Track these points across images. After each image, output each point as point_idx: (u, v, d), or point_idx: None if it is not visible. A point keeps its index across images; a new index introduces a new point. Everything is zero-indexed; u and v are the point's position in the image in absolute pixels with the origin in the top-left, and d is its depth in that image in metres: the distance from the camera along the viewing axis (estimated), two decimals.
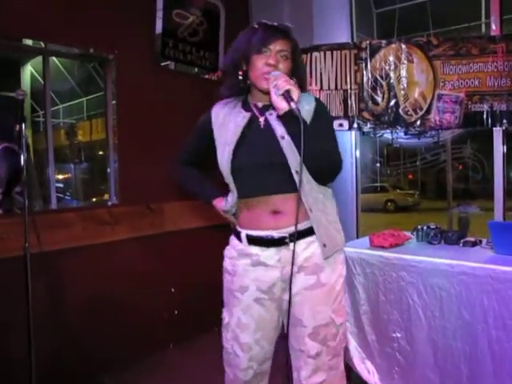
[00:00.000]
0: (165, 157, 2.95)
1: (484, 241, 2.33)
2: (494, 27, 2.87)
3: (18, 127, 2.07)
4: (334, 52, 3.02)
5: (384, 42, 2.92)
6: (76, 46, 2.62)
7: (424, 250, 2.28)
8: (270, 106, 1.47)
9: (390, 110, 2.95)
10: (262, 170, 1.45)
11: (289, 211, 1.44)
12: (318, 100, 1.55)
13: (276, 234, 1.46)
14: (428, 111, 2.89)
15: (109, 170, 2.83)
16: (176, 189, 2.93)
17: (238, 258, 1.54)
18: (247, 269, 1.51)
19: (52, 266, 2.40)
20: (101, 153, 3.69)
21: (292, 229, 1.42)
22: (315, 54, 3.05)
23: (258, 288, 1.51)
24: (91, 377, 2.56)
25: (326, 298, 1.50)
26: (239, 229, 1.56)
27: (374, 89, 2.96)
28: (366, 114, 3.02)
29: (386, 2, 4.09)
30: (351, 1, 3.47)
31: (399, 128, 2.99)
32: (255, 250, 1.50)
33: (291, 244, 1.44)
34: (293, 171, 1.41)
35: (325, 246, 1.47)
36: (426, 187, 14.21)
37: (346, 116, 3.06)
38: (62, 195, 3.94)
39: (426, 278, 2.08)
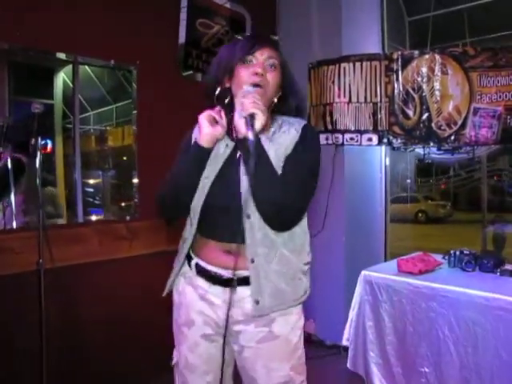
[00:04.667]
0: None
1: None
2: None
3: (33, 141, 2.03)
4: (364, 63, 2.88)
5: (417, 52, 2.77)
6: (100, 57, 2.60)
7: (457, 278, 2.12)
8: None
9: (422, 125, 2.79)
10: (222, 214, 1.28)
11: (243, 255, 1.26)
12: (307, 129, 1.32)
13: (225, 273, 1.29)
14: (463, 126, 2.71)
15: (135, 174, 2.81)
16: None
17: (185, 286, 1.39)
18: (194, 299, 1.36)
19: (67, 281, 2.34)
20: (125, 158, 3.72)
21: (242, 273, 1.26)
22: (344, 64, 2.92)
23: (205, 322, 1.34)
24: None
25: (282, 353, 1.30)
26: (192, 254, 1.38)
27: (405, 102, 2.81)
28: (396, 129, 2.87)
29: (419, 9, 3.92)
30: (382, 9, 3.32)
31: (432, 143, 2.82)
32: (202, 283, 1.34)
33: (238, 288, 1.28)
34: (244, 216, 1.23)
35: (257, 302, 1.25)
36: (458, 198, 13.76)
37: (375, 130, 2.92)
38: (91, 199, 3.97)
39: (458, 310, 1.93)
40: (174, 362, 1.43)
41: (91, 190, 3.99)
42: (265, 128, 1.22)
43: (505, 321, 1.80)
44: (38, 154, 2.10)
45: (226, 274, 1.29)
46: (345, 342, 2.37)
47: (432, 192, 13.42)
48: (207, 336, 1.35)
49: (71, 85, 2.86)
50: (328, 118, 3.03)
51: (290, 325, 1.32)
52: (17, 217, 2.38)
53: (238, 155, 1.30)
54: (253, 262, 1.25)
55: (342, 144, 3.01)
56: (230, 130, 1.32)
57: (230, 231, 1.26)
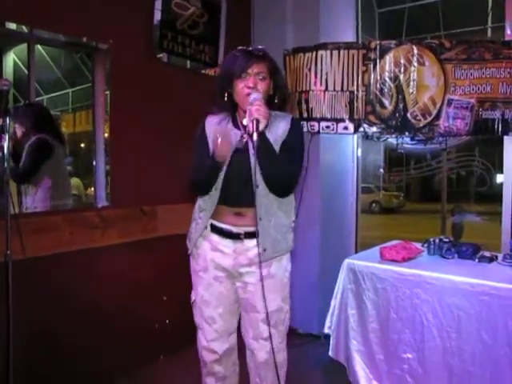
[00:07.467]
0: (159, 154, 2.81)
1: (500, 256, 2.22)
2: (508, 32, 2.76)
3: (1, 120, 1.88)
4: (342, 51, 2.86)
5: (394, 42, 2.78)
6: (66, 33, 2.40)
7: (439, 265, 2.16)
8: None
9: (397, 114, 2.80)
10: (236, 184, 1.71)
11: (248, 216, 1.72)
12: (294, 121, 1.81)
13: (234, 229, 1.75)
14: (437, 117, 2.76)
15: (94, 163, 2.63)
16: (171, 190, 2.76)
17: (202, 242, 1.81)
18: (207, 251, 1.80)
19: (36, 273, 2.20)
20: (83, 145, 3.56)
21: (247, 228, 1.73)
22: (321, 52, 2.89)
23: (216, 268, 1.80)
24: None
25: (276, 287, 1.78)
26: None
27: (381, 91, 2.82)
28: (372, 118, 2.87)
29: (389, 1, 3.95)
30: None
31: (407, 133, 2.85)
32: (216, 238, 1.79)
33: (245, 240, 1.74)
34: (254, 186, 1.66)
35: (265, 250, 1.71)
36: (410, 189, 14.21)
37: (351, 119, 2.91)
38: None
39: (443, 296, 1.97)
40: (192, 299, 1.90)
41: None
42: (267, 125, 1.62)
43: (488, 305, 1.85)
44: (6, 137, 1.94)
45: (235, 230, 1.75)
46: (326, 331, 2.37)
47: (385, 182, 13.74)
48: (217, 277, 1.81)
49: (23, 67, 2.65)
50: (304, 106, 2.99)
51: (282, 268, 1.82)
52: None
53: (244, 140, 1.69)
54: (260, 219, 1.69)
55: (318, 132, 2.99)
56: (237, 123, 1.79)
57: (240, 198, 1.72)
